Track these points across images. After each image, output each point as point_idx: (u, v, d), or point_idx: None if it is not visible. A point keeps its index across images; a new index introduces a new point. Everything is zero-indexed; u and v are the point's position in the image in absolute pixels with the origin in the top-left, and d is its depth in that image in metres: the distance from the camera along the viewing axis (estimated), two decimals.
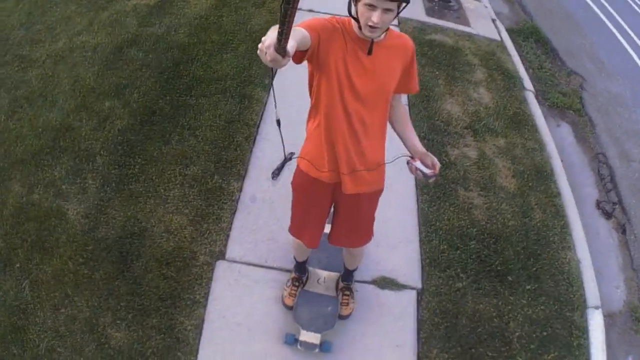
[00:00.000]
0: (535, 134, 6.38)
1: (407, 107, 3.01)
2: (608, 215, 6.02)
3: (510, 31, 9.01)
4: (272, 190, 4.69)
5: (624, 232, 5.87)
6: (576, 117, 7.52)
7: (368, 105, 2.68)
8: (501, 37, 8.53)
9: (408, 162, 2.80)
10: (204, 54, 6.07)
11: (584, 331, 4.31)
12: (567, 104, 7.65)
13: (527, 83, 7.47)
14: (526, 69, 7.97)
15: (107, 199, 4.33)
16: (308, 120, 2.94)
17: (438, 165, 2.77)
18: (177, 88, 5.51)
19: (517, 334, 4.13)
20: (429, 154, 2.82)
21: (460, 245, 4.67)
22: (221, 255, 4.14)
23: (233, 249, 4.20)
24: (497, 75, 7.28)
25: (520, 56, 8.31)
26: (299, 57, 2.44)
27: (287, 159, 2.95)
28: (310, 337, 3.62)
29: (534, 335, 4.15)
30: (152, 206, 4.35)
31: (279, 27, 1.75)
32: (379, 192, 3.14)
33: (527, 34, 9.22)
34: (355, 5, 2.44)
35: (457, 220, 4.88)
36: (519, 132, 6.28)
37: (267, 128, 5.32)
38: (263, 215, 4.49)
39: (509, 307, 4.29)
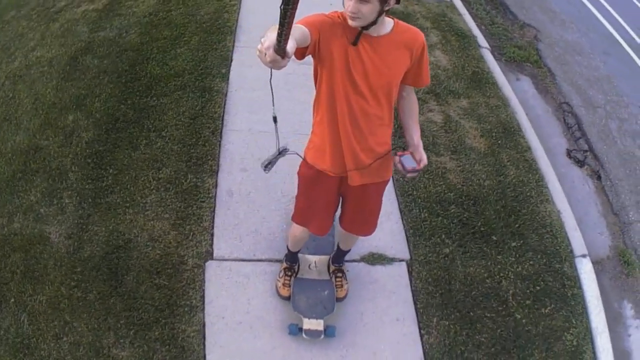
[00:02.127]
0: (497, 90, 6.45)
1: (416, 98, 3.01)
2: (580, 163, 6.14)
3: None
4: (247, 182, 4.68)
5: (598, 178, 6.00)
6: (534, 69, 7.61)
7: (372, 99, 2.67)
8: None
9: (396, 154, 2.80)
10: (158, 51, 5.95)
11: (575, 281, 4.44)
12: (524, 57, 7.73)
13: (482, 40, 7.52)
14: (478, 27, 8.00)
15: (87, 216, 4.23)
16: (313, 113, 2.93)
17: (424, 162, 2.78)
18: (137, 90, 5.39)
19: (511, 291, 4.23)
20: (421, 149, 2.83)
21: (441, 211, 4.73)
22: (209, 256, 4.11)
23: (220, 247, 4.17)
24: (451, 36, 7.31)
25: (471, 14, 8.35)
26: (300, 53, 2.43)
27: (279, 153, 2.94)
28: (313, 324, 3.64)
29: (528, 291, 4.26)
30: (132, 216, 4.27)
31: (279, 29, 1.73)
32: (386, 182, 3.17)
33: None
34: None
35: (434, 187, 4.93)
36: (480, 91, 6.35)
37: (232, 119, 5.28)
38: (242, 208, 4.47)
39: (499, 267, 4.38)
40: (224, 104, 5.43)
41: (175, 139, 4.93)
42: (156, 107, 5.24)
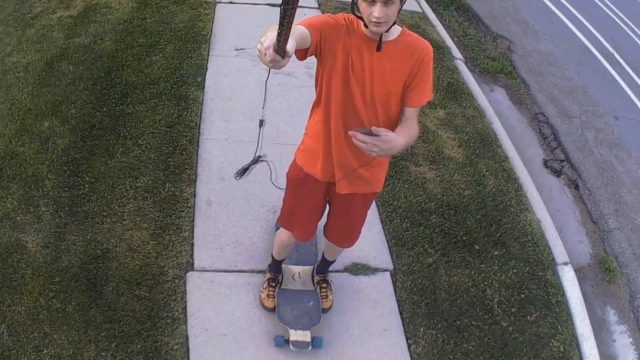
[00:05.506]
0: (473, 101, 6.50)
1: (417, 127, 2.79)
2: (558, 173, 6.21)
3: (430, 2, 9.04)
4: (226, 191, 4.60)
5: (576, 187, 6.08)
6: (508, 80, 7.70)
7: (367, 106, 2.60)
8: (422, 9, 8.59)
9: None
10: (133, 58, 5.87)
11: (559, 288, 4.47)
12: (497, 68, 7.80)
13: (455, 52, 7.58)
14: (451, 38, 8.09)
15: (64, 225, 4.11)
16: (310, 115, 2.88)
17: (380, 131, 2.30)
18: (113, 97, 5.30)
19: (495, 300, 4.23)
20: (384, 132, 2.29)
21: (422, 221, 4.70)
22: (189, 266, 4.01)
23: (200, 258, 4.07)
24: None
25: (444, 25, 8.41)
26: (301, 54, 2.38)
27: (254, 161, 2.89)
28: (300, 335, 3.56)
29: (513, 299, 4.26)
30: (110, 225, 4.16)
31: (279, 28, 1.69)
32: (374, 194, 3.13)
33: (447, 3, 9.31)
34: (357, 3, 2.37)
35: (414, 197, 4.91)
36: (456, 102, 6.38)
37: (208, 127, 5.21)
38: (222, 218, 4.39)
39: (482, 275, 4.38)
40: (200, 113, 5.37)
41: (152, 147, 4.83)
42: (132, 115, 5.14)
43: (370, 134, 2.18)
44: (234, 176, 2.93)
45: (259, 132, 2.76)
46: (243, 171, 2.93)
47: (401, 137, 2.33)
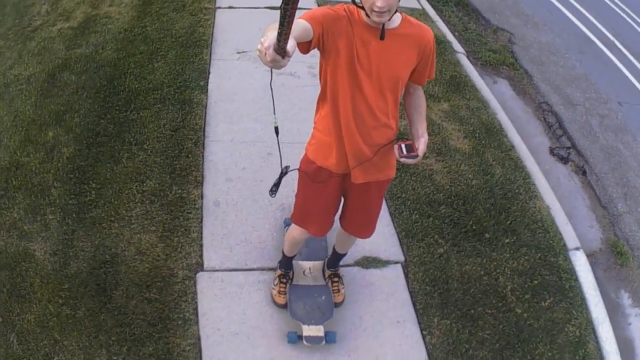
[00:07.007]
0: (476, 93, 6.48)
1: (423, 94, 2.94)
2: (564, 160, 6.19)
3: None
4: (233, 192, 4.59)
5: (584, 173, 6.06)
6: (511, 71, 7.69)
7: (376, 94, 2.61)
8: (421, 5, 8.58)
9: (397, 141, 2.73)
10: (135, 66, 5.87)
11: (572, 273, 4.44)
12: (499, 60, 7.80)
13: (457, 46, 7.56)
14: (452, 32, 8.06)
15: (71, 231, 4.10)
16: (316, 109, 2.87)
17: (420, 150, 2.66)
18: (116, 105, 5.30)
19: (509, 287, 4.20)
20: (423, 141, 2.71)
21: (431, 212, 4.69)
22: (199, 267, 3.99)
23: (210, 258, 4.05)
24: None
25: (444, 20, 8.41)
26: (304, 47, 2.39)
27: (283, 173, 2.89)
28: (313, 330, 3.53)
29: (526, 286, 4.24)
30: (118, 230, 4.15)
31: (279, 28, 1.68)
32: (389, 180, 3.11)
33: None
34: None
35: (422, 189, 4.89)
36: (460, 94, 6.36)
37: (213, 130, 5.20)
38: (230, 218, 4.37)
39: (494, 264, 4.35)
40: (205, 116, 5.35)
41: (157, 152, 4.83)
42: (136, 121, 5.14)
43: (411, 150, 2.63)
44: (269, 194, 2.93)
45: (277, 141, 2.79)
46: (275, 187, 2.94)
47: (425, 129, 2.79)
